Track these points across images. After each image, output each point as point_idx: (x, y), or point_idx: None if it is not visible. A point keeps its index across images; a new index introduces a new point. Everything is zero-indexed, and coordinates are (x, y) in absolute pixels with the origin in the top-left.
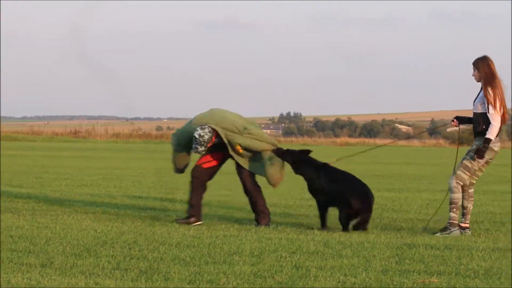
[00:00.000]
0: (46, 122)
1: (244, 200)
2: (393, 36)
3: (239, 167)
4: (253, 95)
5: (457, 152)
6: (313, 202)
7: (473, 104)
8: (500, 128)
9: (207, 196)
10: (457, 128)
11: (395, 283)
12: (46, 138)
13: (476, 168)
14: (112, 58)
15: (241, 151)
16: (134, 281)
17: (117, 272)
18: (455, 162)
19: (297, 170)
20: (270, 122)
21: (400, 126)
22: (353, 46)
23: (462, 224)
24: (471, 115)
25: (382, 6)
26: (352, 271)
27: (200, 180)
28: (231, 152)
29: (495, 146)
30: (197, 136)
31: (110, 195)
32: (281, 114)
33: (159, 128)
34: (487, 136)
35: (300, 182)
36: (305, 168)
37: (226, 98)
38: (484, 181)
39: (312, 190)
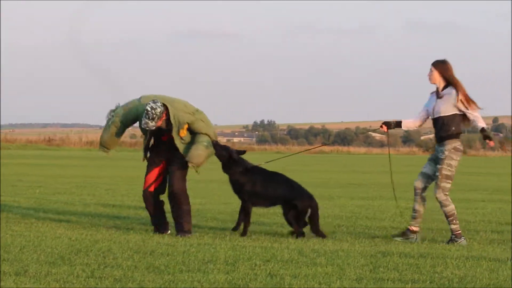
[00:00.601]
0: (11, 130)
1: (218, 208)
2: (368, 45)
3: (171, 166)
4: (227, 103)
5: (389, 156)
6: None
7: (432, 110)
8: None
9: None
10: (386, 132)
11: None
12: (19, 146)
13: (455, 172)
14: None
15: (185, 133)
16: None
17: (92, 280)
18: (390, 170)
19: (226, 169)
20: (244, 130)
21: (374, 134)
22: (327, 55)
23: (413, 228)
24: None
25: (357, 16)
26: (326, 280)
27: (153, 201)
28: (174, 134)
29: (460, 146)
30: (149, 109)
31: (84, 203)
32: (255, 122)
33: (133, 136)
34: (483, 125)
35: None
36: (235, 168)
37: (199, 105)
38: (458, 189)
39: (238, 190)
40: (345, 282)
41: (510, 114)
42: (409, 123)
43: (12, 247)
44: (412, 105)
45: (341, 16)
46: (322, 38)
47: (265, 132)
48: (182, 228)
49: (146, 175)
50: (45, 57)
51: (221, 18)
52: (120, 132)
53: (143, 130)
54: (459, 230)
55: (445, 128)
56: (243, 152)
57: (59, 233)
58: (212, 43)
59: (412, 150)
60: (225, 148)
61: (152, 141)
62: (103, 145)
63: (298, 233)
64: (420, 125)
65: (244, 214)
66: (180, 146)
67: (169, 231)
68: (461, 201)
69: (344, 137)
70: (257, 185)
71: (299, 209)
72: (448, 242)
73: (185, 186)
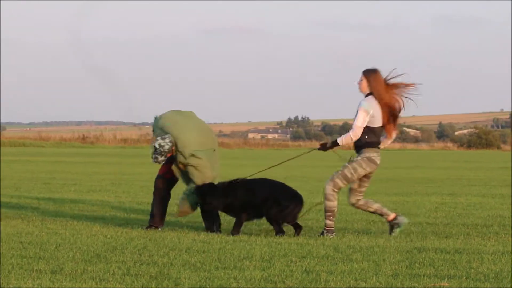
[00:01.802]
0: (27, 129)
1: None
2: (399, 41)
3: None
4: (261, 99)
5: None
6: (322, 207)
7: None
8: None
9: None
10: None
11: (405, 287)
12: (54, 144)
13: (355, 179)
14: (119, 64)
15: (182, 167)
16: (144, 286)
17: (128, 278)
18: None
19: (208, 205)
20: (278, 126)
21: (408, 130)
22: (360, 50)
23: (389, 218)
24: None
25: (386, 11)
26: (362, 276)
27: (162, 190)
28: (174, 168)
29: (377, 159)
30: (157, 146)
31: (119, 200)
32: (289, 118)
33: None
34: (339, 140)
35: (308, 187)
36: (214, 196)
37: (233, 103)
38: (491, 184)
39: (231, 209)
40: (381, 278)
41: None
42: (347, 139)
43: (48, 245)
44: (445, 99)
45: (368, 11)
46: (351, 33)
47: (299, 128)
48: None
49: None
50: (80, 55)
51: (249, 14)
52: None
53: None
54: (332, 227)
55: (361, 137)
56: (235, 180)
57: (94, 231)
58: (239, 40)
59: (447, 145)
60: (204, 185)
61: None
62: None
63: (277, 231)
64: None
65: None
66: (176, 172)
67: (159, 229)
68: (495, 196)
69: None
70: (240, 196)
71: (282, 208)
72: (320, 234)
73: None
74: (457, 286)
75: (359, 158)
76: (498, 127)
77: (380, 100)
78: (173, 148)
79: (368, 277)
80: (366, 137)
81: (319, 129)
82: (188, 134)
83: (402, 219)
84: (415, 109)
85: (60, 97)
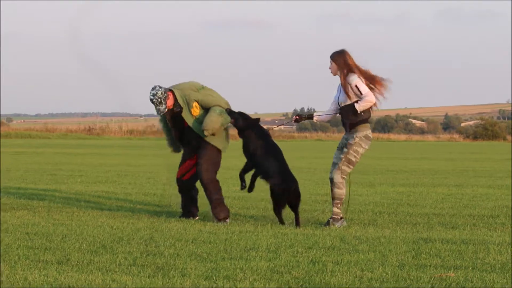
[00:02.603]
0: (22, 121)
1: (259, 195)
2: (406, 33)
3: (199, 158)
4: (267, 91)
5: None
6: (328, 198)
7: (337, 101)
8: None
9: (223, 193)
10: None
11: (412, 277)
12: (60, 136)
13: (359, 159)
14: (124, 57)
15: (198, 110)
16: (151, 277)
17: (134, 268)
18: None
19: (241, 134)
20: (283, 118)
21: (414, 121)
22: (365, 42)
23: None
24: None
25: (393, 5)
26: (368, 266)
27: (186, 190)
28: (186, 114)
29: (371, 134)
30: (151, 97)
31: (125, 191)
32: (295, 110)
33: None
34: (356, 106)
35: (315, 177)
36: (250, 134)
37: (239, 94)
38: (497, 176)
39: (247, 152)
40: (387, 269)
41: None
42: (321, 116)
43: (54, 236)
44: (451, 90)
45: (375, 4)
46: (356, 26)
47: (305, 120)
48: (218, 217)
49: (180, 165)
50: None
51: (255, 7)
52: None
53: (163, 120)
54: (340, 215)
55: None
56: (258, 119)
57: (100, 222)
58: (246, 32)
59: (453, 137)
60: (240, 113)
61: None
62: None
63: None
64: (331, 117)
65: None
66: (194, 124)
67: (197, 217)
68: (502, 187)
69: (384, 124)
70: (258, 152)
71: (273, 188)
72: (325, 225)
73: (214, 176)
74: (463, 277)
75: (356, 139)
76: (504, 118)
77: (357, 72)
78: (169, 97)
79: (374, 268)
80: (362, 113)
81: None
82: (186, 81)
83: (340, 224)
84: (421, 101)
85: (66, 89)
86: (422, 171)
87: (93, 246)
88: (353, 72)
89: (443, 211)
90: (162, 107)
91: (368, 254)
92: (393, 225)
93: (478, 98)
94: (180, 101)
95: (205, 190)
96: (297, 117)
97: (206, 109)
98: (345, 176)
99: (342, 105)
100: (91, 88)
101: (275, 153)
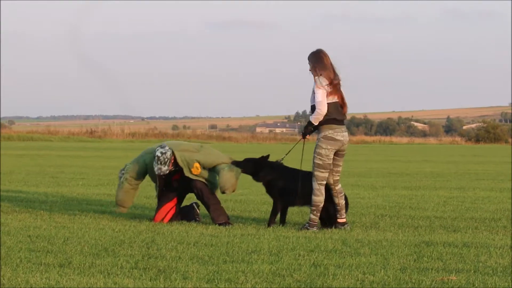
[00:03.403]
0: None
1: (261, 198)
2: (408, 35)
3: (192, 180)
4: (269, 93)
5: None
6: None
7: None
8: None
9: (224, 196)
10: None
11: (413, 281)
12: (61, 138)
13: (328, 162)
14: (126, 60)
15: (198, 170)
16: (152, 280)
17: (136, 271)
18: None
19: (257, 177)
20: (286, 120)
21: (416, 124)
22: (367, 44)
23: (340, 220)
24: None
25: (395, 5)
26: (370, 269)
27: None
28: (187, 174)
29: (338, 135)
30: (159, 155)
31: None
32: (297, 113)
33: (174, 127)
34: (310, 118)
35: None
36: (265, 173)
37: (241, 97)
38: (499, 179)
39: (275, 191)
40: (389, 272)
41: None
42: (317, 117)
43: (56, 238)
44: (453, 93)
45: (377, 4)
46: (358, 27)
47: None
48: (217, 221)
49: (157, 210)
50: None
51: (257, 8)
52: (134, 188)
53: (154, 177)
54: (316, 221)
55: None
56: (267, 156)
57: (102, 225)
58: (247, 33)
59: (455, 139)
60: (246, 160)
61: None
62: (120, 204)
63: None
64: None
65: (276, 213)
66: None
67: (198, 219)
68: (503, 190)
69: (386, 127)
70: (289, 182)
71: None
72: (301, 228)
73: (212, 192)
74: (465, 280)
75: (317, 141)
76: (506, 121)
77: (325, 76)
78: (172, 160)
79: (376, 271)
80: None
81: None
82: (182, 141)
83: (347, 226)
84: (423, 103)
85: (68, 91)
86: (424, 174)
87: (95, 249)
88: (323, 74)
89: (445, 214)
90: (164, 168)
91: (370, 257)
92: (395, 228)
93: (480, 101)
94: (180, 162)
95: (201, 195)
96: (303, 134)
97: (208, 169)
98: (321, 182)
99: (311, 105)
100: (93, 90)
101: (304, 174)
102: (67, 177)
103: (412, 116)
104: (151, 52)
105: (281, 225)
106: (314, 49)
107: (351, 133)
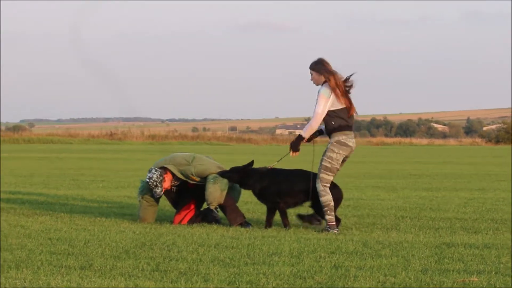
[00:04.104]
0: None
1: None
2: (428, 36)
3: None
4: (289, 95)
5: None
6: (350, 202)
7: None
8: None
9: (245, 197)
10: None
11: (435, 282)
12: (81, 140)
13: (336, 166)
14: (146, 63)
15: (197, 179)
16: (173, 282)
17: (157, 273)
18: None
19: (245, 185)
20: (305, 122)
21: (436, 125)
22: (388, 46)
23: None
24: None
25: (416, 6)
26: (391, 271)
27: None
28: (192, 182)
29: (350, 141)
30: (147, 180)
31: None
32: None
33: (194, 129)
34: (302, 132)
35: (338, 182)
36: (253, 180)
37: (261, 99)
38: None
39: (265, 196)
40: (410, 273)
41: None
42: (308, 130)
43: (77, 241)
44: (473, 94)
45: (398, 6)
46: (379, 29)
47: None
48: (234, 223)
49: (176, 212)
50: (111, 52)
51: (278, 10)
52: (152, 205)
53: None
54: (333, 221)
55: (327, 124)
56: (251, 163)
57: (123, 227)
58: (267, 36)
59: (475, 141)
60: (231, 170)
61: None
62: (142, 221)
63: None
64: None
65: (280, 215)
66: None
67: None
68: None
69: (406, 128)
70: (282, 184)
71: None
72: (322, 231)
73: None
74: (486, 281)
75: (329, 144)
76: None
77: (330, 83)
78: (166, 176)
79: (397, 273)
80: (333, 122)
81: None
82: (179, 154)
83: (338, 230)
84: (443, 104)
85: (87, 94)
86: (445, 175)
87: (116, 252)
88: (329, 81)
89: (466, 216)
90: (158, 190)
91: (391, 258)
92: (415, 230)
93: (500, 102)
94: (179, 176)
95: None
96: (291, 146)
97: (202, 177)
98: (326, 184)
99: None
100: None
101: (299, 173)
102: (87, 180)
103: (432, 118)
104: (171, 54)
105: (266, 227)
106: (328, 52)
107: (371, 134)
